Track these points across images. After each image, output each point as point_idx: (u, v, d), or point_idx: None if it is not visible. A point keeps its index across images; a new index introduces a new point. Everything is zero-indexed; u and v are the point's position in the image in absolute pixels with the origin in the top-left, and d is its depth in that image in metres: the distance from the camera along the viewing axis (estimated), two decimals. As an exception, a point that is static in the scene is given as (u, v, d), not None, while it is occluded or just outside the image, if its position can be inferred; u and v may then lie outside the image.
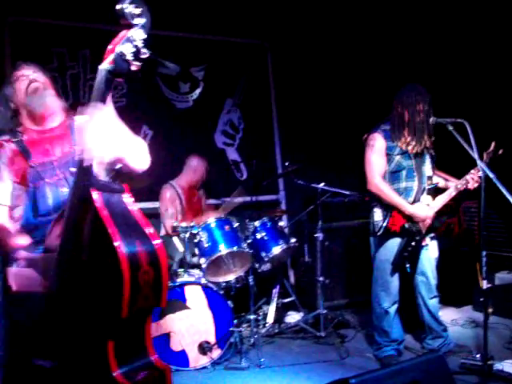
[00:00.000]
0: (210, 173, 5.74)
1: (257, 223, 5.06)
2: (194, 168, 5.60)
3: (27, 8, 5.31)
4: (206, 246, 4.66)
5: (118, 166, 2.55)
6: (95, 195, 2.13)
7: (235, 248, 4.68)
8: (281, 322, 5.34)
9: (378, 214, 4.24)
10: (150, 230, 2.18)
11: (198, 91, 6.36)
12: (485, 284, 3.76)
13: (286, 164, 5.45)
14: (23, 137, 2.65)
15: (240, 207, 5.83)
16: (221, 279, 4.91)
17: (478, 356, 3.94)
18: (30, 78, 2.65)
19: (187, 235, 4.67)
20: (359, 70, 6.82)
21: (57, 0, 5.39)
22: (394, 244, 4.18)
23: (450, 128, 3.86)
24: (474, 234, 6.07)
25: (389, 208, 4.16)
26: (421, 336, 4.56)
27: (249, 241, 4.88)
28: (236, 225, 4.89)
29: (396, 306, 4.32)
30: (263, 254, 4.96)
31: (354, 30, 6.68)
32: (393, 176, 4.20)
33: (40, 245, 2.47)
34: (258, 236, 5.01)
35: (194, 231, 4.70)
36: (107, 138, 2.17)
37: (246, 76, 6.62)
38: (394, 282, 4.27)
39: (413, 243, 4.14)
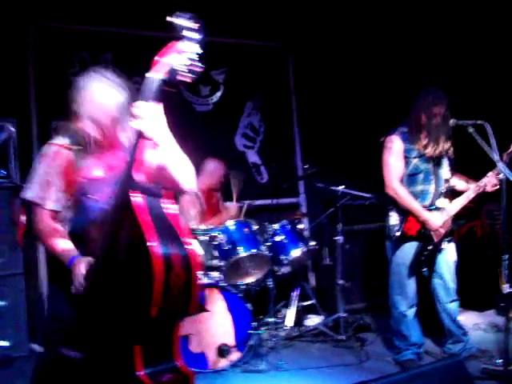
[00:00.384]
0: (229, 172, 5.74)
1: (276, 226, 5.06)
2: (210, 172, 5.62)
3: (49, 14, 5.37)
4: (225, 248, 4.67)
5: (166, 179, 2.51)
6: (134, 196, 2.18)
7: (254, 251, 4.69)
8: (300, 325, 5.32)
9: (393, 218, 4.21)
10: (185, 236, 2.21)
11: (218, 94, 6.38)
12: (507, 288, 3.72)
13: (306, 167, 5.45)
14: (81, 145, 2.58)
15: (260, 210, 5.84)
16: (240, 282, 4.91)
17: (499, 361, 3.88)
18: (112, 113, 2.55)
19: (206, 238, 4.68)
20: (380, 72, 6.79)
21: (78, 5, 5.44)
22: (410, 248, 4.15)
23: (471, 130, 3.82)
24: (497, 237, 6.00)
25: (405, 212, 4.13)
26: (441, 340, 4.51)
27: (268, 243, 4.88)
28: (255, 227, 4.90)
29: (414, 309, 4.28)
30: (282, 257, 4.96)
31: (374, 32, 6.66)
32: (410, 179, 4.17)
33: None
34: (278, 239, 5.00)
35: (214, 234, 4.71)
36: (160, 125, 2.27)
37: (267, 79, 6.63)
38: (411, 285, 4.24)
39: (429, 247, 4.11)
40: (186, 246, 2.19)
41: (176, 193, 2.48)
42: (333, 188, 5.16)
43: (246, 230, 4.81)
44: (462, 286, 4.39)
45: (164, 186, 2.49)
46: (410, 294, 4.24)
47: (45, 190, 2.57)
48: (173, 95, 6.10)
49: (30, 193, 2.59)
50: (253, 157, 6.59)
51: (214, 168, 5.63)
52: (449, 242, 4.23)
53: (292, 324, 5.21)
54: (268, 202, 5.95)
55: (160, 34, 5.83)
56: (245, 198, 6.16)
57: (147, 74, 2.22)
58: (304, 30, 6.56)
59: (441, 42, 6.37)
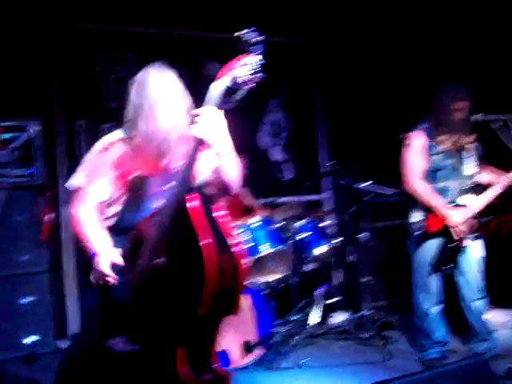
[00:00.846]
0: (254, 173, 5.73)
1: (300, 223, 5.04)
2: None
3: (72, 14, 5.43)
4: (248, 245, 4.67)
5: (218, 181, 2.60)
6: (191, 198, 2.25)
7: (277, 248, 4.69)
8: (324, 322, 5.29)
9: (415, 215, 4.17)
10: (234, 240, 2.28)
11: (241, 92, 6.35)
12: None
13: (329, 164, 5.42)
14: (135, 141, 2.58)
15: (283, 207, 5.82)
16: (263, 279, 4.91)
17: (526, 361, 3.82)
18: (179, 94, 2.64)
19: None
20: (404, 67, 6.70)
21: (101, 5, 5.49)
22: (432, 245, 4.10)
23: (494, 126, 3.76)
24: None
25: (427, 209, 4.08)
26: (467, 339, 4.45)
27: (291, 241, 4.87)
28: (278, 225, 4.89)
29: (438, 307, 4.23)
30: (306, 254, 4.95)
31: (398, 27, 6.57)
32: (431, 175, 4.12)
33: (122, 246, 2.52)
34: (301, 236, 4.99)
35: (237, 231, 4.72)
36: (221, 131, 2.42)
37: (290, 76, 6.60)
38: (434, 283, 4.18)
39: (452, 245, 4.05)
40: (235, 250, 2.26)
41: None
42: (356, 185, 5.11)
43: (269, 227, 4.81)
44: (491, 283, 4.32)
45: (214, 187, 2.61)
46: (434, 292, 4.19)
47: (89, 180, 2.61)
48: (195, 92, 6.11)
49: (74, 180, 2.65)
50: (276, 154, 6.57)
51: None
52: (474, 238, 4.16)
53: (315, 322, 5.18)
54: (291, 199, 5.95)
55: (182, 33, 5.94)
56: (268, 195, 6.17)
57: (212, 84, 2.40)
58: (327, 25, 6.51)
59: (466, 36, 6.26)
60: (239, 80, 2.34)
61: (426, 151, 4.11)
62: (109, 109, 5.62)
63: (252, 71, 2.34)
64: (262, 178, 6.29)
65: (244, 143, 6.14)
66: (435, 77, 6.04)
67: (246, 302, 4.41)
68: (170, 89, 2.61)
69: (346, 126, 6.64)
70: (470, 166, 4.15)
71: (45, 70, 5.29)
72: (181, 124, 2.56)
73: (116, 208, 2.63)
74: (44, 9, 5.27)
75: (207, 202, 2.32)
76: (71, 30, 5.48)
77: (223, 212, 2.34)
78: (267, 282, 4.94)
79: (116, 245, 2.51)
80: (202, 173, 2.58)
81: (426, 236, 4.10)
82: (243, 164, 5.52)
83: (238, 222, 4.86)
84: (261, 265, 4.85)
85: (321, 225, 5.19)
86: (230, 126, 6.37)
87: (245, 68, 2.34)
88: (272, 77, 6.35)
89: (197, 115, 2.33)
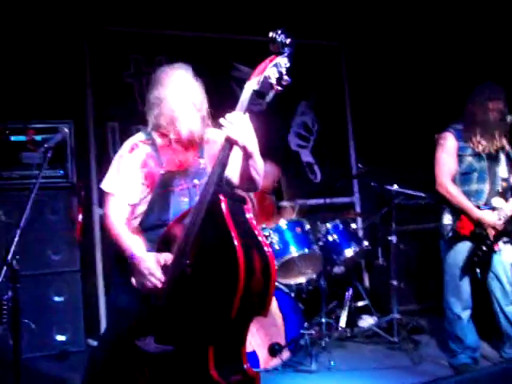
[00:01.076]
0: (283, 175, 5.75)
1: (329, 225, 5.03)
2: (265, 173, 5.61)
3: (105, 17, 5.51)
4: (276, 248, 4.67)
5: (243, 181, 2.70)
6: (223, 201, 2.26)
7: (306, 250, 4.68)
8: (353, 325, 5.26)
9: (447, 217, 4.11)
10: (264, 241, 2.30)
11: (271, 94, 6.36)
12: None
13: (359, 165, 5.38)
14: (157, 141, 2.72)
15: (313, 209, 5.81)
16: (292, 281, 4.90)
17: (559, 367, 3.74)
18: (194, 93, 2.74)
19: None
20: (434, 70, 6.63)
21: (133, 8, 5.56)
22: (463, 248, 4.05)
23: None
24: None
25: (457, 211, 4.03)
26: (498, 344, 4.38)
27: (320, 243, 4.86)
28: (308, 227, 4.88)
29: (469, 311, 4.16)
30: (335, 257, 4.93)
31: (429, 29, 6.51)
32: (464, 178, 4.06)
33: (153, 244, 2.57)
34: (330, 238, 4.98)
35: (265, 233, 4.72)
36: (250, 134, 2.47)
37: (321, 78, 6.58)
38: (465, 287, 4.12)
39: (483, 248, 3.98)
40: (266, 252, 2.26)
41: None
42: (387, 187, 5.07)
43: (298, 229, 4.79)
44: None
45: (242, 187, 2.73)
46: (465, 296, 4.13)
47: (122, 182, 2.67)
48: (227, 95, 6.19)
49: (106, 184, 2.71)
50: (306, 156, 6.56)
51: (268, 171, 5.63)
52: (505, 243, 4.09)
53: (345, 324, 5.16)
54: (321, 201, 5.92)
55: (213, 36, 5.98)
56: (298, 197, 6.16)
57: (245, 85, 2.42)
58: (358, 28, 6.48)
59: (498, 36, 6.17)
60: (269, 81, 2.34)
61: (458, 153, 4.05)
62: (141, 110, 5.66)
63: (279, 74, 2.35)
64: (292, 179, 6.29)
65: (275, 145, 6.23)
66: (465, 78, 5.98)
67: (274, 304, 4.41)
68: (185, 84, 2.71)
69: (376, 128, 6.59)
70: (504, 169, 4.07)
71: (78, 73, 5.37)
72: (199, 119, 2.70)
73: (142, 207, 2.68)
74: (78, 12, 5.36)
75: (239, 202, 2.33)
76: (104, 32, 5.56)
77: (252, 214, 2.35)
78: (297, 284, 4.94)
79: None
80: (232, 173, 2.66)
81: (458, 238, 4.05)
82: (277, 167, 5.59)
83: (269, 225, 4.87)
84: (290, 267, 4.84)
85: (350, 227, 5.14)
86: (261, 128, 6.39)
87: (275, 69, 2.35)
88: (304, 78, 6.43)
89: (229, 120, 2.39)
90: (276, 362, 4.36)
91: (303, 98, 6.53)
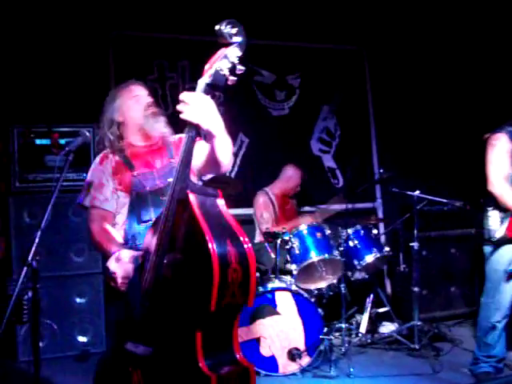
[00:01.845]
0: (305, 180, 5.75)
1: (350, 231, 5.01)
2: (288, 177, 5.66)
3: (130, 22, 5.60)
4: (297, 252, 4.69)
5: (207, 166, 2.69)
6: (191, 197, 2.25)
7: (326, 255, 4.68)
8: (374, 332, 5.22)
9: (494, 219, 3.99)
10: (240, 233, 2.28)
11: (293, 98, 6.39)
12: None
13: (381, 171, 5.36)
14: (126, 151, 2.82)
15: (335, 214, 5.80)
16: (312, 286, 4.90)
17: None
18: (147, 100, 2.85)
19: (279, 241, 4.69)
20: (458, 75, 6.58)
21: (157, 14, 5.62)
22: (510, 252, 3.94)
23: None
24: None
25: (507, 212, 3.95)
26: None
27: (341, 248, 4.83)
28: (328, 232, 4.88)
29: (506, 320, 4.04)
30: (356, 262, 4.91)
31: (452, 34, 6.46)
32: None
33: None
34: (351, 244, 4.96)
35: (286, 238, 4.73)
36: (208, 111, 2.33)
37: (343, 83, 6.58)
38: (507, 293, 3.99)
39: None
40: (241, 242, 2.25)
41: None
42: (408, 193, 5.03)
43: (319, 234, 4.80)
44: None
45: (202, 173, 2.76)
46: (505, 304, 4.00)
47: (97, 193, 2.76)
48: (249, 100, 6.19)
49: (83, 198, 2.81)
50: (328, 161, 6.55)
51: (291, 174, 5.66)
52: None
53: (365, 331, 5.12)
54: (343, 206, 5.91)
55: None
56: (320, 202, 6.16)
57: (198, 80, 2.35)
58: (380, 33, 6.47)
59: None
60: (222, 73, 2.27)
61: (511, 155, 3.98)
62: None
63: (231, 65, 2.28)
64: (315, 184, 6.28)
65: (296, 150, 6.24)
66: (490, 83, 5.93)
67: (294, 308, 4.41)
68: (141, 94, 2.87)
69: (399, 133, 6.56)
70: None
71: (102, 77, 5.45)
72: (163, 121, 2.83)
73: (122, 217, 2.74)
74: (103, 18, 5.44)
75: (211, 196, 2.33)
76: (128, 38, 5.65)
77: (225, 206, 2.34)
78: (317, 289, 4.93)
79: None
80: (197, 166, 2.69)
81: (505, 241, 3.94)
82: (299, 171, 5.61)
83: (291, 229, 4.87)
84: (310, 272, 4.84)
85: (372, 232, 5.12)
86: (284, 133, 6.42)
87: (226, 60, 2.28)
88: (327, 84, 6.43)
89: (185, 101, 2.30)
90: (295, 367, 4.36)
91: (325, 103, 6.52)
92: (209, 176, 2.88)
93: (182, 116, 2.29)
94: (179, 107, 2.31)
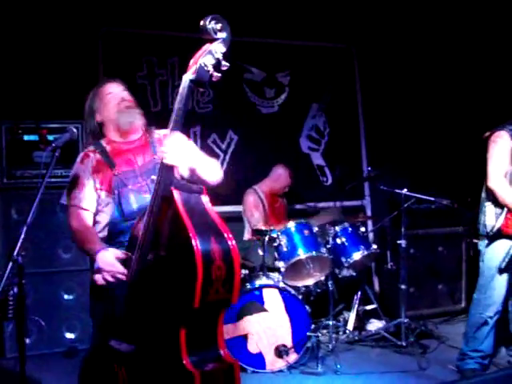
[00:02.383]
0: (294, 178, 5.76)
1: (337, 228, 5.03)
2: (277, 176, 5.67)
3: (119, 18, 5.58)
4: (285, 249, 4.70)
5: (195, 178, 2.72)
6: (176, 194, 2.27)
7: (314, 252, 4.69)
8: (361, 329, 5.25)
9: (489, 214, 4.01)
10: (225, 230, 2.29)
11: (283, 96, 6.40)
12: None
13: (369, 169, 5.38)
14: (107, 148, 2.82)
15: (324, 212, 5.83)
16: (300, 283, 4.91)
17: None
18: (120, 95, 2.85)
19: (266, 239, 4.70)
20: (447, 74, 6.61)
21: (147, 10, 5.61)
22: (504, 247, 3.94)
23: None
24: None
25: (503, 208, 3.96)
26: (508, 349, 4.34)
27: (329, 246, 4.84)
28: (316, 229, 4.89)
29: (497, 316, 4.05)
30: (343, 260, 4.93)
31: (440, 33, 6.48)
32: None
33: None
34: (339, 241, 4.98)
35: (274, 235, 4.74)
36: (185, 152, 2.44)
37: (332, 81, 6.59)
38: (501, 289, 4.00)
39: None
40: (225, 239, 2.27)
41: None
42: (396, 191, 5.06)
43: (307, 231, 4.80)
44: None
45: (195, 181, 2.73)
46: (498, 300, 4.02)
47: (77, 192, 2.76)
48: (239, 97, 6.19)
49: (64, 197, 2.84)
50: (317, 159, 6.56)
51: (280, 174, 5.66)
52: None
53: (352, 328, 5.15)
54: (333, 204, 5.95)
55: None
56: (310, 200, 6.18)
57: (183, 76, 2.38)
58: (370, 31, 6.48)
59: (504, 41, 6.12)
60: (206, 69, 2.29)
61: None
62: (154, 111, 5.74)
63: (215, 61, 2.30)
64: (304, 182, 6.30)
65: (285, 147, 6.25)
66: (478, 81, 5.96)
67: (281, 305, 4.42)
68: (115, 89, 2.88)
69: (389, 132, 6.58)
70: None
71: (91, 74, 5.41)
72: (137, 113, 2.85)
73: (107, 213, 2.74)
74: (92, 14, 5.42)
75: (195, 193, 2.35)
76: (118, 34, 5.63)
77: (209, 203, 2.37)
78: (305, 287, 4.94)
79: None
80: (181, 168, 2.71)
81: (500, 236, 3.95)
82: (288, 171, 5.62)
83: (279, 227, 4.89)
84: (298, 269, 4.85)
85: (360, 230, 5.14)
86: (273, 130, 6.42)
87: (210, 56, 2.30)
88: (316, 81, 6.43)
89: (161, 149, 2.41)
90: (282, 363, 4.37)
91: (315, 101, 6.53)
92: None
93: (164, 161, 2.37)
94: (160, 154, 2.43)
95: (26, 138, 4.83)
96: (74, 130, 2.76)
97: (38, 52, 5.24)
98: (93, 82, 5.38)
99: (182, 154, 2.40)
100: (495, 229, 3.96)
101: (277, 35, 6.23)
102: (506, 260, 3.93)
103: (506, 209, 3.92)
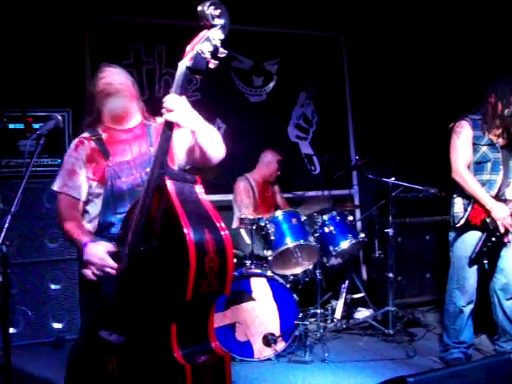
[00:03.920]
0: (283, 166, 5.74)
1: (325, 217, 5.03)
2: (267, 162, 5.65)
3: (105, 6, 5.52)
4: (272, 238, 4.69)
5: (196, 156, 2.68)
6: (169, 183, 2.24)
7: (302, 241, 4.69)
8: (349, 317, 5.27)
9: (458, 206, 4.08)
10: (218, 221, 2.26)
11: (271, 85, 6.37)
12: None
13: (357, 157, 5.38)
14: (103, 135, 2.74)
15: (313, 201, 5.82)
16: (288, 272, 4.92)
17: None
18: (107, 79, 2.74)
19: (254, 227, 4.69)
20: (434, 63, 6.61)
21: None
22: (473, 238, 4.00)
23: None
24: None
25: (470, 199, 4.00)
26: (493, 337, 4.38)
27: (317, 234, 4.85)
28: (304, 218, 4.88)
29: (471, 306, 4.13)
30: (331, 248, 4.94)
31: (430, 22, 6.48)
32: (477, 167, 4.03)
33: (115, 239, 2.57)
34: (327, 230, 4.98)
35: (262, 224, 4.73)
36: (187, 111, 2.40)
37: (320, 69, 6.57)
38: (471, 279, 4.08)
39: (493, 239, 3.95)
40: (219, 230, 2.24)
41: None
42: (384, 179, 5.07)
43: (295, 220, 4.80)
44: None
45: (193, 163, 2.72)
46: (470, 289, 4.09)
47: (68, 179, 2.70)
48: (227, 85, 6.14)
49: (55, 183, 2.75)
50: (306, 148, 6.55)
51: (270, 158, 5.65)
52: None
53: (340, 316, 5.16)
54: (321, 193, 5.94)
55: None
56: (298, 189, 6.18)
57: (179, 63, 2.33)
58: (358, 20, 6.46)
59: (497, 31, 6.12)
60: (203, 55, 2.25)
61: (474, 142, 4.03)
62: (141, 100, 5.68)
63: (213, 48, 2.26)
64: (292, 171, 6.28)
65: (274, 136, 6.23)
66: (465, 72, 5.97)
67: (269, 294, 4.42)
68: (112, 75, 2.76)
69: (377, 120, 6.57)
70: None
71: (77, 61, 5.37)
72: (130, 100, 2.76)
73: (98, 205, 2.69)
74: (79, 1, 5.36)
75: (189, 183, 2.32)
76: (104, 22, 5.57)
77: (203, 194, 2.34)
78: (293, 275, 4.95)
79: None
80: (178, 154, 2.70)
81: (469, 228, 4.01)
82: (277, 154, 5.61)
83: (267, 215, 4.88)
84: (286, 258, 4.85)
85: (347, 219, 5.14)
86: (261, 119, 6.40)
87: (208, 43, 2.25)
88: (304, 70, 6.41)
89: (166, 102, 2.35)
90: (270, 352, 4.38)
91: (303, 89, 6.51)
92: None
93: (164, 117, 2.34)
94: (163, 112, 2.36)
95: (11, 126, 4.76)
96: (59, 118, 2.72)
97: (23, 40, 5.18)
98: (79, 70, 5.41)
99: (184, 112, 2.37)
100: (463, 220, 3.99)
101: (265, 23, 6.20)
102: (476, 250, 3.97)
103: (473, 199, 3.96)
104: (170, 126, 2.34)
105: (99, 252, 2.43)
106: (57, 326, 4.84)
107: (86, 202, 2.73)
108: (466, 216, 4.00)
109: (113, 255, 2.44)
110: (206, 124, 2.58)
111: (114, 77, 2.78)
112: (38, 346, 4.72)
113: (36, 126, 4.69)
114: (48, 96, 5.04)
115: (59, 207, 2.72)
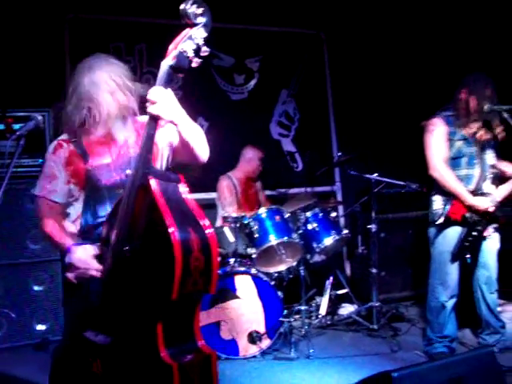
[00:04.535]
0: (265, 163, 5.74)
1: (308, 214, 5.04)
2: (248, 158, 5.65)
3: (85, 5, 5.48)
4: (256, 236, 4.69)
5: (183, 155, 2.62)
6: (153, 183, 2.21)
7: (285, 238, 4.69)
8: (334, 313, 5.30)
9: (437, 202, 4.12)
10: (203, 219, 2.25)
11: (252, 82, 6.37)
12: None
13: (339, 154, 5.40)
14: (82, 138, 2.66)
15: (295, 198, 5.83)
16: (272, 269, 4.92)
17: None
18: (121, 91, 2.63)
19: (237, 225, 4.69)
20: (415, 60, 6.66)
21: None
22: (454, 234, 4.05)
23: (506, 115, 3.73)
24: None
25: (449, 195, 4.04)
26: (477, 331, 4.42)
27: (300, 231, 4.86)
28: (287, 215, 4.89)
29: (454, 300, 4.17)
30: (314, 245, 4.94)
31: (410, 20, 6.52)
32: (453, 162, 4.08)
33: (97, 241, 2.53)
34: (310, 227, 4.98)
35: (245, 222, 4.73)
36: (171, 103, 2.33)
37: (302, 67, 6.58)
38: (453, 274, 4.13)
39: (474, 233, 4.00)
40: (204, 229, 2.22)
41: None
42: (366, 176, 5.09)
43: (278, 217, 4.80)
44: (504, 276, 4.28)
45: (179, 162, 2.65)
46: (452, 284, 4.14)
47: (47, 183, 2.65)
48: (208, 83, 6.10)
49: (36, 187, 2.69)
50: (288, 145, 6.57)
51: (252, 155, 5.65)
52: (494, 230, 4.12)
53: (325, 312, 5.18)
54: (304, 190, 5.95)
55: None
56: (280, 186, 6.19)
57: (162, 62, 2.30)
58: (340, 17, 6.49)
59: (478, 26, 6.19)
60: (186, 54, 2.22)
61: (448, 138, 4.07)
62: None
63: (195, 46, 2.22)
64: (274, 168, 6.29)
65: (256, 134, 6.22)
66: (445, 68, 6.02)
67: (253, 291, 4.43)
68: (109, 73, 2.68)
69: (358, 117, 6.61)
70: (492, 156, 4.09)
71: (57, 61, 5.32)
72: (125, 105, 2.61)
73: (78, 208, 2.64)
74: (57, 0, 5.31)
75: (173, 182, 2.30)
76: (84, 20, 5.52)
77: (187, 193, 2.31)
78: (277, 273, 4.95)
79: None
80: (162, 151, 2.64)
81: (449, 223, 4.05)
82: (258, 151, 5.61)
83: (250, 213, 4.88)
84: (270, 255, 4.86)
85: (330, 215, 5.16)
86: (243, 117, 6.38)
87: (191, 42, 2.22)
88: (285, 67, 6.41)
89: (150, 95, 2.29)
90: (255, 349, 4.39)
91: (284, 87, 6.52)
92: None
93: (148, 110, 2.28)
94: (147, 105, 2.29)
95: (-10, 127, 4.73)
96: (39, 118, 2.67)
97: (2, 40, 5.12)
98: (59, 69, 5.36)
99: (169, 104, 2.31)
100: (443, 217, 4.03)
101: (246, 21, 6.19)
102: (459, 246, 4.01)
103: (452, 196, 4.00)
104: (153, 123, 2.30)
105: (83, 255, 2.40)
106: (40, 327, 4.80)
107: (67, 205, 2.68)
108: (445, 212, 4.04)
109: (97, 257, 2.42)
110: (191, 121, 2.53)
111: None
112: (21, 348, 4.67)
113: (16, 126, 4.64)
114: (28, 96, 4.99)
115: (40, 211, 2.67)
